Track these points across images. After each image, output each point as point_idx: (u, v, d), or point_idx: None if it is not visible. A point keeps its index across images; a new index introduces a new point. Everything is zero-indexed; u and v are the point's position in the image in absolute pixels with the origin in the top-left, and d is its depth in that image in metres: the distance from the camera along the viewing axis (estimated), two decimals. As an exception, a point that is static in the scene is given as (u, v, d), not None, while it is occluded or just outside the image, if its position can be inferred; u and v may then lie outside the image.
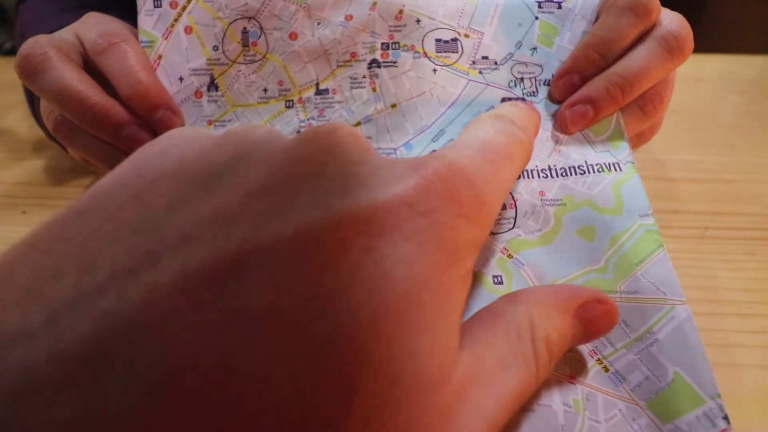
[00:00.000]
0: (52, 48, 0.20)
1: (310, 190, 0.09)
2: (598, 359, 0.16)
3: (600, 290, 0.17)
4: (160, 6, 0.22)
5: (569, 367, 0.16)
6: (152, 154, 0.10)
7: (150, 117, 0.20)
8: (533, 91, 0.21)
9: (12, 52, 0.57)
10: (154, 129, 0.21)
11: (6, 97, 0.40)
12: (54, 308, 0.07)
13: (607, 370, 0.16)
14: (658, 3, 0.20)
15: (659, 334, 0.16)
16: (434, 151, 0.19)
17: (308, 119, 0.21)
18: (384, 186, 0.09)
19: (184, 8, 0.22)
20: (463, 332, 0.09)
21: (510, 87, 0.21)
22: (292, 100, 0.21)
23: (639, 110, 0.21)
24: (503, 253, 0.19)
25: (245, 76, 0.22)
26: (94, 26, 0.22)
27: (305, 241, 0.08)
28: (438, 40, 0.21)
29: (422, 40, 0.21)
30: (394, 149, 0.21)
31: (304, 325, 0.07)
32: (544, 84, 0.22)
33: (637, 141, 0.23)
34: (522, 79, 0.22)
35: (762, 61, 0.48)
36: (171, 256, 0.07)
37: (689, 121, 0.35)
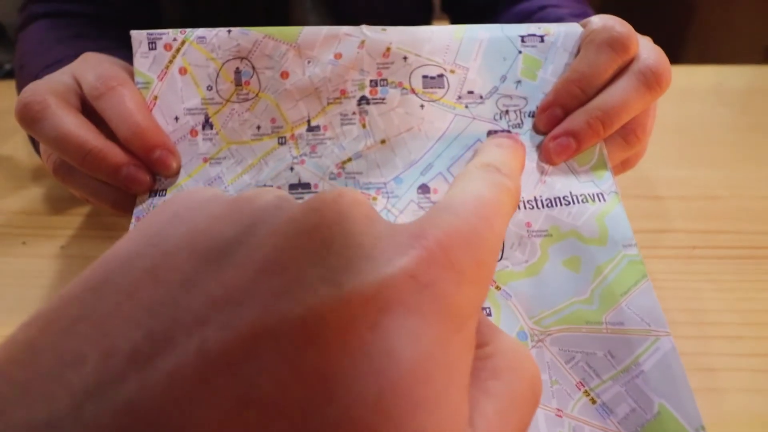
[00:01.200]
0: (51, 95, 0.21)
1: (317, 265, 0.09)
2: (585, 391, 0.17)
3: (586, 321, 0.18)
4: (155, 48, 0.22)
5: (556, 400, 0.16)
6: (163, 221, 0.10)
7: (147, 157, 0.21)
8: (518, 123, 0.22)
9: (11, 74, 0.57)
10: (152, 169, 0.21)
11: (6, 123, 0.40)
12: (79, 397, 0.07)
13: (594, 402, 0.16)
14: (636, 38, 0.21)
15: (644, 366, 0.16)
16: (434, 204, 0.19)
17: (301, 155, 0.22)
18: (388, 259, 0.09)
19: (178, 50, 0.22)
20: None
21: (495, 120, 0.22)
22: (285, 137, 0.22)
23: (622, 140, 0.22)
24: (491, 285, 0.19)
25: (239, 115, 0.22)
26: (91, 69, 0.22)
27: (314, 322, 0.08)
28: (425, 77, 0.22)
29: (409, 77, 0.22)
30: (384, 183, 0.21)
31: (314, 412, 0.07)
32: (528, 116, 0.22)
33: (622, 167, 0.24)
34: (507, 112, 0.22)
35: (751, 71, 0.48)
36: (187, 340, 0.08)
37: (677, 135, 0.36)
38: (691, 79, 0.45)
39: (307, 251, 0.09)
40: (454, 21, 0.50)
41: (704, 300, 0.22)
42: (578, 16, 0.35)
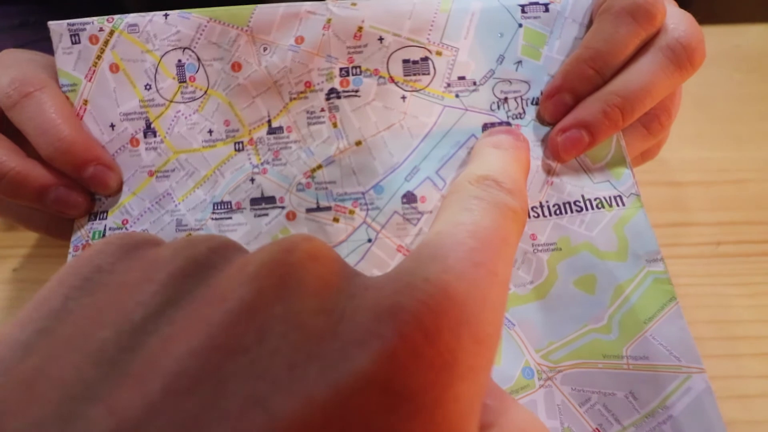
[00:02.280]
0: None
1: (241, 377, 0.06)
2: (604, 440, 0.14)
3: (603, 353, 0.15)
4: (79, 42, 0.18)
5: (571, 454, 0.14)
6: (61, 296, 0.08)
7: (79, 176, 0.18)
8: (519, 113, 0.19)
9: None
10: (87, 188, 0.18)
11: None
12: None
13: (614, 453, 0.14)
14: (663, 5, 0.17)
15: (673, 410, 0.14)
16: (420, 215, 0.16)
17: (262, 163, 0.18)
18: (344, 358, 0.06)
19: (106, 42, 0.18)
20: None
21: (492, 110, 0.19)
22: (242, 142, 0.19)
23: (643, 129, 0.18)
24: None
25: (186, 117, 0.19)
26: (5, 71, 0.18)
27: None
28: (406, 61, 0.18)
29: (387, 62, 0.18)
30: (362, 193, 0.18)
31: None
32: (532, 103, 0.19)
33: (641, 159, 0.21)
34: (506, 100, 0.19)
35: (766, 30, 0.44)
36: None
37: (691, 110, 0.32)
38: (705, 43, 0.41)
39: (230, 352, 0.06)
40: None
41: (733, 308, 0.19)
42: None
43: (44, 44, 0.20)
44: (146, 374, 0.06)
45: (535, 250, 0.17)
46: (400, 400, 0.06)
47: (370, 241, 0.17)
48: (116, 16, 0.19)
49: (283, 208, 0.18)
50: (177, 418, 0.06)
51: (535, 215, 0.17)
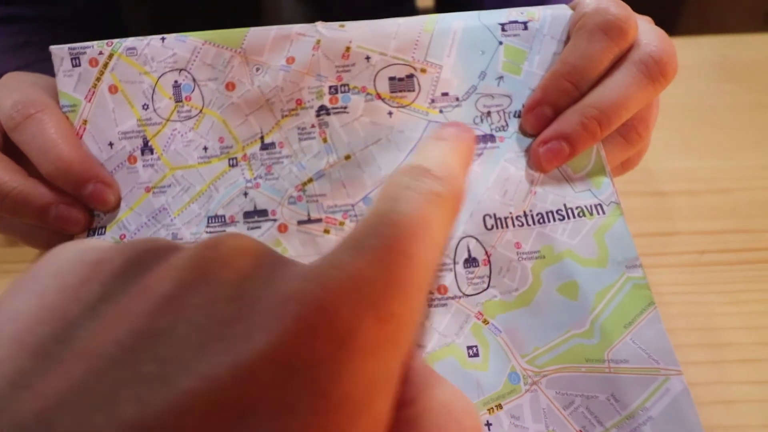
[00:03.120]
0: None
1: (154, 359, 0.07)
2: (586, 445, 0.14)
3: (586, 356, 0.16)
4: (79, 65, 0.19)
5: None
6: (8, 295, 0.08)
7: (79, 193, 0.18)
8: (503, 126, 0.19)
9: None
10: (87, 205, 0.19)
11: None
12: None
13: (596, 457, 0.14)
14: (635, 21, 0.18)
15: (653, 411, 0.14)
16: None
17: (255, 178, 0.19)
18: (246, 339, 0.07)
19: (105, 65, 0.19)
20: None
21: (476, 123, 0.19)
22: (236, 158, 0.19)
23: (622, 139, 0.19)
24: (478, 318, 0.17)
25: (182, 135, 0.19)
26: (9, 94, 0.19)
27: None
28: (392, 79, 0.19)
29: (374, 80, 0.19)
30: (352, 205, 0.19)
31: None
32: (514, 116, 0.19)
33: (622, 168, 0.21)
34: (489, 113, 0.19)
35: (757, 40, 0.45)
36: None
37: (680, 119, 0.33)
38: (692, 53, 0.42)
39: (147, 338, 0.07)
40: (438, 3, 0.47)
41: (716, 316, 0.20)
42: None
43: (47, 64, 0.21)
44: (73, 361, 0.07)
45: (520, 258, 0.17)
46: (296, 375, 0.07)
47: None
48: (115, 40, 0.20)
49: (275, 220, 0.18)
50: (93, 397, 0.07)
51: (520, 224, 0.18)
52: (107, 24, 0.40)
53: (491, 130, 0.19)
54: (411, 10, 0.50)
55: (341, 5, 0.42)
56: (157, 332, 0.07)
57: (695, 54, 0.42)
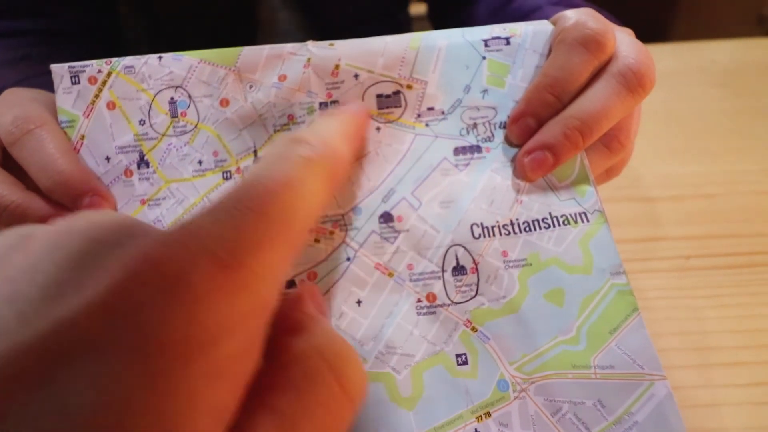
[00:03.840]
0: None
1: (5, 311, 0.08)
2: (572, 449, 0.15)
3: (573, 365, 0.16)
4: (78, 82, 0.20)
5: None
6: None
7: (76, 206, 0.19)
8: (489, 136, 0.20)
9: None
10: None
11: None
12: None
13: (581, 461, 0.15)
14: (612, 35, 0.19)
15: (638, 416, 0.15)
16: (397, 233, 0.17)
17: (249, 191, 0.20)
18: (78, 293, 0.08)
19: (104, 83, 0.20)
20: None
21: (462, 135, 0.20)
22: (230, 171, 0.20)
23: (604, 147, 0.20)
24: (467, 326, 0.17)
25: (177, 149, 0.20)
26: (9, 110, 0.20)
27: None
28: (379, 96, 0.20)
29: (362, 97, 0.20)
30: (342, 215, 0.19)
31: None
32: (500, 127, 0.20)
33: (606, 176, 0.22)
34: (475, 125, 0.20)
35: (743, 45, 0.46)
36: None
37: (666, 125, 0.34)
38: (681, 58, 0.43)
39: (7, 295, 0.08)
40: (431, 9, 0.48)
41: (702, 320, 0.20)
42: (556, 4, 0.32)
43: (47, 78, 0.21)
44: None
45: (507, 266, 0.18)
46: (121, 320, 0.07)
47: (348, 259, 0.18)
48: (114, 59, 0.20)
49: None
50: None
51: (507, 232, 0.18)
52: (106, 37, 0.41)
53: (477, 141, 0.20)
54: (404, 19, 0.51)
55: (336, 15, 0.43)
56: (3, 296, 0.08)
57: (684, 59, 0.43)
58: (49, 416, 0.06)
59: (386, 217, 0.19)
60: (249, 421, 0.08)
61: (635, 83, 0.18)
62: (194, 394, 0.07)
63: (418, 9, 0.53)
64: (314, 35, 0.43)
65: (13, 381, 0.07)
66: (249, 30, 0.42)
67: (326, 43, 0.20)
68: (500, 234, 0.18)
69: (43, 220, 0.18)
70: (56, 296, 0.08)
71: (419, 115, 0.20)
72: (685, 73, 0.42)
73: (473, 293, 0.18)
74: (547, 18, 0.21)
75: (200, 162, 0.20)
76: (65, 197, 0.19)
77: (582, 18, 0.19)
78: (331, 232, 0.19)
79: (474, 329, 0.17)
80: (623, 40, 0.19)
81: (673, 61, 0.42)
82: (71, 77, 0.20)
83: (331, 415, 0.09)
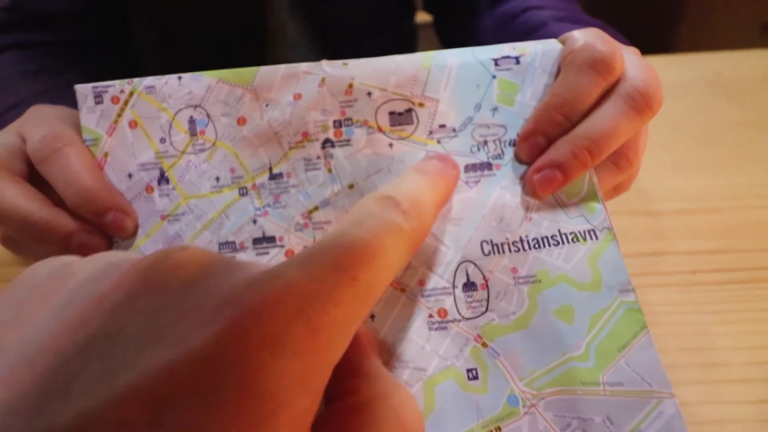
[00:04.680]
0: None
1: (103, 357, 0.08)
2: (581, 465, 0.15)
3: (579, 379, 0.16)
4: (102, 102, 0.21)
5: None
6: (10, 302, 0.10)
7: (100, 221, 0.19)
8: (499, 154, 0.20)
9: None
10: (107, 232, 0.20)
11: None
12: None
13: (590, 477, 0.15)
14: (620, 56, 0.19)
15: None
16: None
17: (264, 206, 0.20)
18: (183, 338, 0.08)
19: (126, 102, 0.21)
20: None
21: (473, 152, 0.20)
22: (246, 187, 0.20)
23: (613, 165, 0.20)
24: (477, 341, 0.18)
25: (196, 166, 0.21)
26: (36, 127, 0.21)
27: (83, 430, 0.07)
28: (392, 113, 0.20)
29: (375, 114, 0.20)
30: (356, 232, 0.20)
31: None
32: (509, 144, 0.21)
33: (614, 192, 0.22)
34: (486, 142, 0.20)
35: (749, 57, 0.46)
36: None
37: (672, 138, 0.34)
38: (685, 70, 0.43)
39: (97, 338, 0.08)
40: (436, 20, 0.48)
41: (708, 336, 0.20)
42: (561, 20, 0.33)
43: (65, 91, 0.22)
44: (37, 359, 0.08)
45: (517, 283, 0.18)
46: (224, 371, 0.08)
47: None
48: (135, 79, 0.21)
49: (282, 246, 0.20)
50: (50, 389, 0.08)
51: (516, 249, 0.19)
52: (120, 49, 0.42)
53: (488, 158, 0.20)
54: (410, 28, 0.52)
55: (343, 26, 0.44)
56: (107, 334, 0.08)
57: (689, 71, 0.43)
58: None
59: None
60: None
61: (643, 104, 0.19)
62: None
63: (424, 17, 0.54)
64: (322, 46, 0.44)
65: (124, 427, 0.07)
66: (258, 41, 0.43)
67: (340, 62, 0.21)
68: (510, 251, 0.19)
69: (68, 235, 0.19)
70: (160, 339, 0.08)
71: (431, 132, 0.20)
72: (690, 86, 0.42)
73: (484, 309, 0.18)
74: (552, 33, 0.22)
75: (218, 178, 0.21)
76: (90, 213, 0.19)
77: (590, 40, 0.19)
78: None
79: (484, 345, 0.18)
80: (631, 61, 0.20)
81: (677, 73, 0.42)
82: (95, 97, 0.21)
83: None
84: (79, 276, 0.10)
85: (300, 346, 0.08)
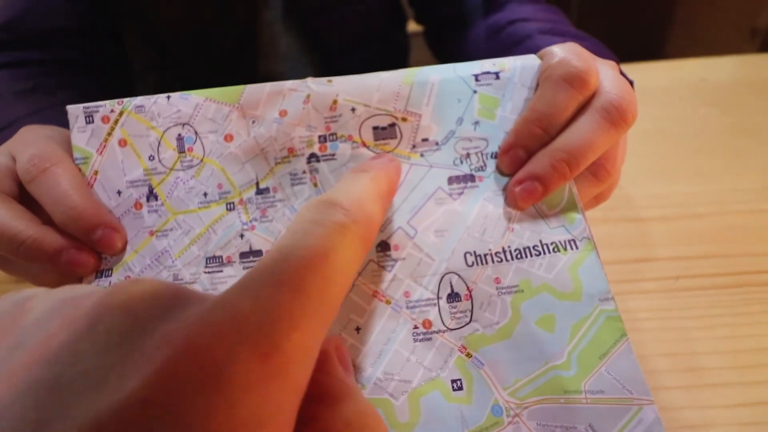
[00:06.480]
0: None
1: (36, 407, 0.08)
2: (562, 474, 0.15)
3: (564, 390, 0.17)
4: (92, 122, 0.21)
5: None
6: None
7: (88, 239, 0.20)
8: (481, 166, 0.21)
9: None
10: (96, 249, 0.20)
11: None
12: None
13: (572, 485, 0.15)
14: (595, 71, 0.20)
15: None
16: (394, 261, 0.18)
17: (251, 221, 0.21)
18: (121, 383, 0.07)
19: (116, 121, 0.21)
20: None
21: (456, 164, 0.21)
22: (233, 202, 0.21)
23: (592, 176, 0.21)
24: (461, 352, 0.18)
25: (184, 183, 0.21)
26: (26, 148, 0.21)
27: None
28: (375, 128, 0.21)
29: (359, 129, 0.21)
30: (342, 245, 0.20)
31: None
32: (491, 157, 0.21)
33: (595, 202, 0.23)
34: (468, 155, 0.21)
35: (735, 62, 0.47)
36: None
37: (658, 144, 0.35)
38: (672, 76, 0.44)
39: (37, 385, 0.08)
40: (428, 31, 0.49)
41: (691, 341, 0.21)
42: (546, 33, 0.33)
43: (58, 109, 0.22)
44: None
45: (500, 293, 0.19)
46: (165, 415, 0.07)
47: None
48: (125, 99, 0.21)
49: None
50: None
51: (499, 260, 0.19)
52: (113, 67, 0.42)
53: (471, 170, 0.21)
54: (402, 39, 0.52)
55: (335, 39, 0.44)
56: (46, 380, 0.08)
57: (675, 77, 0.44)
58: None
59: (383, 246, 0.20)
60: None
61: (618, 117, 0.19)
62: None
63: (416, 25, 0.55)
64: (315, 58, 0.45)
65: None
66: (251, 54, 0.43)
67: (324, 79, 0.21)
68: (493, 261, 0.19)
69: (57, 253, 0.19)
70: (99, 384, 0.08)
71: (414, 146, 0.21)
72: (675, 92, 0.43)
73: (468, 319, 0.18)
74: (536, 46, 0.22)
75: (205, 194, 0.21)
76: (78, 230, 0.20)
77: (567, 56, 0.20)
78: None
79: (469, 355, 0.18)
80: (606, 75, 0.20)
81: (663, 78, 0.43)
82: (86, 117, 0.21)
83: None
84: (31, 315, 0.09)
85: (251, 378, 0.08)
